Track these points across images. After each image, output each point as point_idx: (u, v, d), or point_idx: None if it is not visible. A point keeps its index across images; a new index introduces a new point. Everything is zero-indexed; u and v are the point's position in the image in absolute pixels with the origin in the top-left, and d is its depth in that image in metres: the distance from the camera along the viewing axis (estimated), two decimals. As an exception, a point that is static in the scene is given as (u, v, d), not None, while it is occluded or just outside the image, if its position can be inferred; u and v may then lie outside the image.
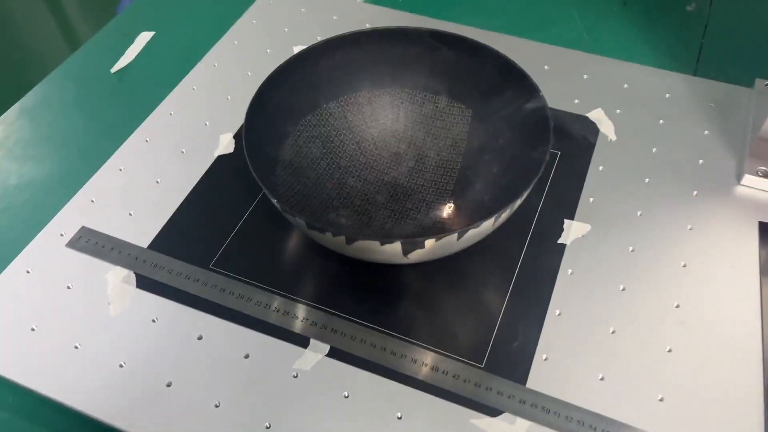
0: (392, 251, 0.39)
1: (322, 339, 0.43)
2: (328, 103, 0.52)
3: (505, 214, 0.40)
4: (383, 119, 0.53)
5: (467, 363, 0.42)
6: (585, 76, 0.59)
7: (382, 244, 0.38)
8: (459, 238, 0.39)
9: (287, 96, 0.49)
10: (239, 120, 0.57)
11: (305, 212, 0.47)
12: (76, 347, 0.43)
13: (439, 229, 0.48)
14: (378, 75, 0.52)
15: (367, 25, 0.64)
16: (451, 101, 0.52)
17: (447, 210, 0.49)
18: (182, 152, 0.55)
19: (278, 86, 0.48)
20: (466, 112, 0.51)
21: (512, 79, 0.48)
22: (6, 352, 0.43)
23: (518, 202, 0.41)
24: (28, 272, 0.47)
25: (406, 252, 0.39)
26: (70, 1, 1.70)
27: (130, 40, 0.67)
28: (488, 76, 0.50)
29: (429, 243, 0.39)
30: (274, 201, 0.40)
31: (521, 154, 0.47)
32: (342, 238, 0.39)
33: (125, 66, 0.65)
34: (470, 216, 0.48)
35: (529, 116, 0.47)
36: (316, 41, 0.50)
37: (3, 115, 0.61)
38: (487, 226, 0.40)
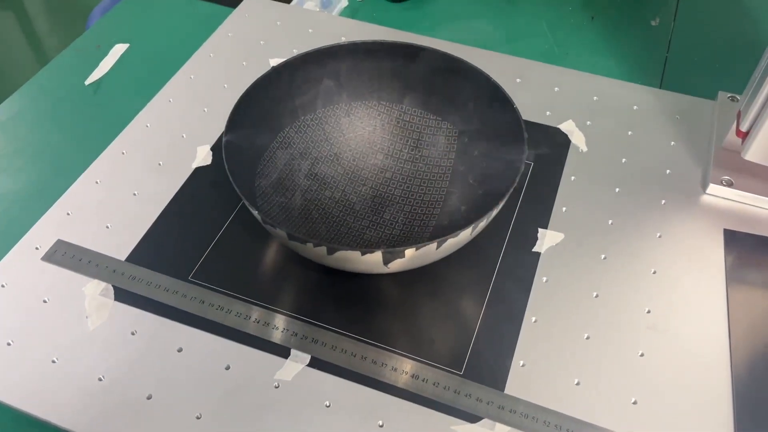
0: (373, 261, 0.40)
1: (302, 349, 0.44)
2: (306, 115, 0.52)
3: (482, 224, 0.41)
4: (361, 131, 0.54)
5: (446, 370, 0.43)
6: (556, 89, 0.61)
7: (363, 254, 0.39)
8: (438, 247, 0.40)
9: (266, 109, 0.49)
10: (216, 132, 0.57)
11: (285, 223, 0.47)
12: (54, 361, 0.43)
13: (418, 239, 0.48)
14: (355, 87, 0.53)
15: (343, 38, 0.65)
16: (426, 113, 0.53)
17: (424, 219, 0.50)
18: (159, 164, 0.55)
19: (257, 99, 0.48)
20: (441, 124, 0.53)
21: (487, 92, 0.49)
22: (-19, 367, 0.43)
23: (495, 212, 0.42)
24: (2, 286, 0.47)
25: (386, 261, 0.40)
26: (39, 16, 1.68)
27: (104, 52, 0.67)
28: (463, 89, 0.51)
29: (409, 252, 0.39)
30: (255, 212, 0.41)
31: (496, 165, 0.48)
32: (323, 249, 0.39)
33: (99, 78, 0.65)
34: (447, 225, 0.49)
35: (504, 128, 0.48)
36: (292, 54, 0.51)
37: (-26, 128, 0.60)
38: (465, 235, 0.41)
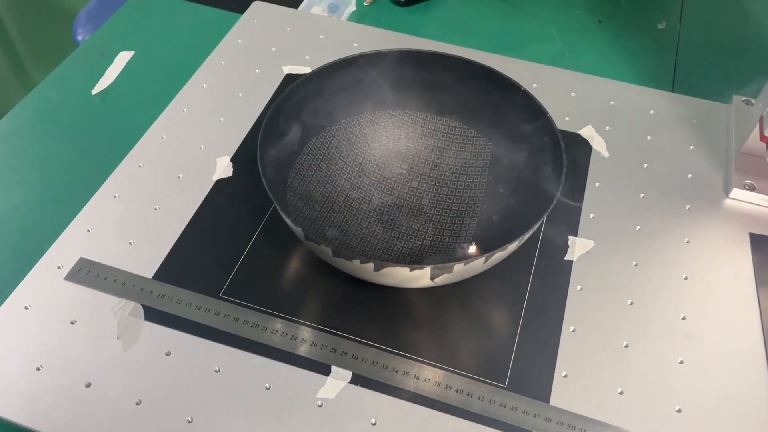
0: (420, 276, 0.39)
1: (343, 366, 0.43)
2: (331, 125, 0.52)
3: (527, 235, 0.41)
4: (385, 140, 0.53)
5: (491, 384, 0.42)
6: (573, 94, 0.61)
7: (412, 269, 0.38)
8: (486, 261, 0.40)
9: (293, 122, 0.48)
10: (235, 142, 0.56)
11: (319, 236, 0.46)
12: (88, 385, 0.42)
13: (449, 249, 0.48)
14: (379, 97, 0.52)
15: (355, 44, 0.64)
16: (452, 121, 0.53)
17: (454, 229, 0.49)
18: (179, 177, 0.53)
19: (284, 114, 0.47)
20: (468, 132, 0.52)
21: (516, 100, 0.49)
22: (11, 393, 0.41)
23: (538, 223, 0.41)
24: (26, 308, 0.45)
25: (434, 277, 0.39)
26: (20, 34, 1.62)
27: (109, 60, 0.65)
28: (489, 96, 0.50)
29: (457, 267, 0.39)
30: (298, 231, 0.40)
31: (527, 173, 0.48)
32: (370, 265, 0.39)
33: (107, 87, 0.63)
34: (480, 235, 0.48)
35: (534, 137, 0.48)
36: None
37: (-22, 141, 0.58)
38: (512, 248, 0.40)
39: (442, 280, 0.40)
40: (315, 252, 0.42)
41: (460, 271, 0.39)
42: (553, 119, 0.46)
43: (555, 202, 0.41)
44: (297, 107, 0.48)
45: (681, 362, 0.44)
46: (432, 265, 0.38)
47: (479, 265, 0.40)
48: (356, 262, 0.39)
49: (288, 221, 0.40)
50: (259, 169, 0.42)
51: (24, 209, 0.53)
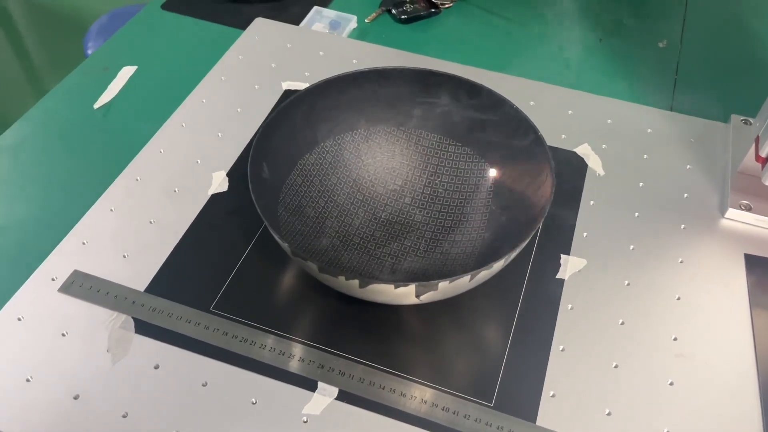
0: (405, 293, 0.39)
1: (330, 382, 0.43)
2: (325, 141, 0.52)
3: (513, 254, 0.41)
4: (380, 156, 0.53)
5: (477, 402, 0.42)
6: (570, 112, 0.61)
7: (396, 287, 0.38)
8: (471, 279, 0.40)
9: (287, 138, 0.49)
10: (231, 157, 0.56)
11: (310, 253, 0.47)
12: (76, 398, 0.42)
13: (440, 266, 0.48)
14: (374, 113, 0.53)
15: (355, 61, 0.65)
16: (445, 138, 0.53)
17: (446, 246, 0.50)
18: (175, 191, 0.54)
19: (278, 129, 0.48)
20: (461, 150, 0.52)
21: (510, 120, 0.49)
22: (0, 404, 0.41)
23: (526, 241, 0.41)
24: (19, 319, 0.46)
25: (419, 294, 0.39)
26: (30, 36, 1.66)
27: (112, 75, 0.66)
28: (482, 114, 0.51)
29: (442, 285, 0.39)
30: (285, 246, 0.40)
31: (519, 192, 0.48)
32: (355, 282, 0.39)
33: (109, 101, 0.64)
34: (470, 252, 0.48)
35: (527, 154, 0.48)
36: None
37: (-19, 154, 0.59)
38: (498, 266, 0.40)
39: (428, 297, 0.40)
40: (303, 267, 0.42)
41: (445, 288, 0.40)
42: (547, 137, 0.46)
43: (541, 222, 0.41)
44: (291, 123, 0.49)
45: (671, 383, 0.44)
46: (417, 283, 0.38)
47: (465, 283, 0.40)
48: (341, 278, 0.39)
49: (275, 236, 0.40)
50: (249, 185, 0.43)
51: (23, 221, 0.53)
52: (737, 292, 0.48)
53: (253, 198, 0.42)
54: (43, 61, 1.58)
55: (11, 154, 0.59)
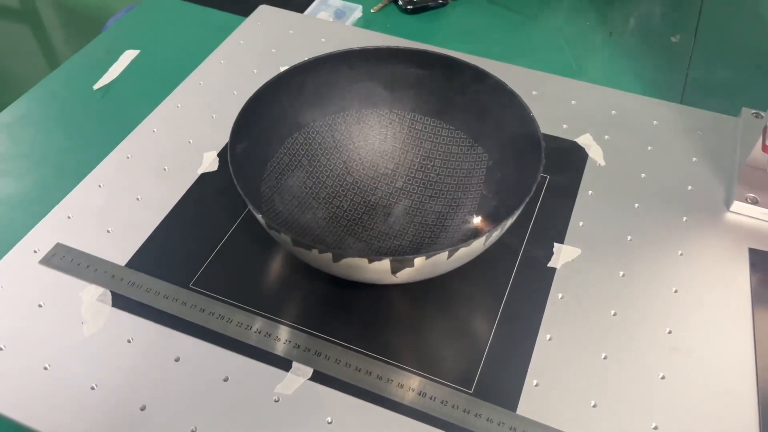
0: (381, 269, 0.38)
1: (305, 362, 0.42)
2: (315, 121, 0.51)
3: (495, 234, 0.39)
4: (372, 139, 0.52)
5: (456, 388, 0.41)
6: (573, 102, 0.59)
7: (371, 261, 0.37)
8: (449, 257, 0.38)
9: (274, 113, 0.48)
10: (224, 138, 0.56)
11: (291, 230, 0.45)
12: (46, 368, 0.41)
13: (428, 250, 0.46)
14: (367, 95, 0.52)
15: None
16: (440, 122, 0.51)
17: (435, 231, 0.48)
18: (164, 169, 0.53)
19: (265, 103, 0.47)
20: (455, 134, 0.51)
21: (503, 101, 0.47)
22: (-30, 372, 0.41)
23: (509, 221, 0.40)
24: (-2, 289, 0.45)
25: (395, 270, 0.38)
26: (54, 29, 1.69)
27: (114, 58, 0.66)
28: (478, 98, 0.49)
29: (419, 261, 0.37)
30: (259, 216, 0.39)
31: (511, 176, 0.47)
32: (329, 256, 0.38)
33: (108, 83, 0.64)
34: (460, 236, 0.47)
35: (520, 138, 0.46)
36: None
37: (-21, 130, 0.59)
38: (478, 245, 0.39)
39: (407, 275, 0.39)
40: (278, 241, 0.41)
41: (423, 266, 0.38)
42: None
43: (525, 202, 0.40)
44: (278, 99, 0.48)
45: (662, 377, 0.41)
46: (391, 258, 0.37)
47: (443, 260, 0.38)
48: (315, 251, 0.38)
49: (250, 205, 0.39)
50: (228, 156, 0.42)
51: (11, 196, 0.53)
52: (739, 286, 0.46)
53: (230, 165, 0.41)
54: (66, 57, 1.60)
55: (7, 131, 0.59)
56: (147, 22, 0.71)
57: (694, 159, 0.55)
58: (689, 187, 0.53)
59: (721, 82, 0.65)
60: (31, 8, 1.74)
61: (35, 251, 0.47)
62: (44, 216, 0.50)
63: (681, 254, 0.48)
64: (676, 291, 0.46)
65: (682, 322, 0.44)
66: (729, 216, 0.51)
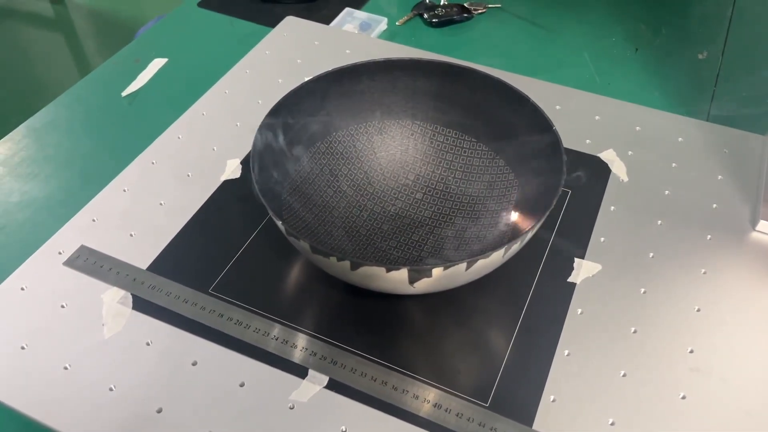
0: (398, 279, 0.38)
1: (321, 370, 0.42)
2: (338, 131, 0.51)
3: (515, 247, 0.39)
4: (393, 149, 0.52)
5: (471, 401, 0.40)
6: (597, 117, 0.59)
7: (388, 270, 0.37)
8: (468, 268, 0.38)
9: (297, 122, 0.48)
10: (247, 146, 0.56)
11: (310, 238, 0.46)
12: (66, 368, 0.42)
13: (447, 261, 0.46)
14: (389, 106, 0.52)
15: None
16: (461, 134, 0.51)
17: (455, 242, 0.48)
18: (188, 176, 0.54)
19: (289, 112, 0.47)
20: (476, 146, 0.51)
21: (525, 114, 0.47)
22: (-7, 370, 0.42)
23: (529, 234, 0.40)
24: (22, 289, 0.46)
25: (412, 280, 0.38)
26: (87, 38, 1.72)
27: (143, 66, 0.68)
28: (501, 111, 0.49)
29: (437, 272, 0.37)
30: (279, 223, 0.39)
31: (532, 189, 0.46)
32: (347, 264, 0.38)
33: (136, 90, 0.65)
34: (479, 248, 0.47)
35: (542, 151, 0.46)
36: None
37: (10, 134, 0.61)
38: (497, 257, 0.39)
39: (425, 286, 0.39)
40: (297, 248, 0.41)
41: (441, 277, 0.38)
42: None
43: (545, 216, 0.39)
44: (301, 109, 0.48)
45: (683, 397, 0.41)
46: (409, 267, 0.37)
47: (461, 272, 0.38)
48: (333, 259, 0.38)
49: (270, 212, 0.40)
50: (251, 163, 0.42)
51: (38, 199, 0.54)
52: (763, 307, 0.45)
53: (252, 173, 0.42)
54: (97, 64, 1.64)
55: (36, 136, 0.60)
56: (176, 32, 0.73)
57: (720, 177, 0.54)
58: (714, 205, 0.52)
59: (747, 99, 0.64)
60: (65, 18, 1.78)
61: (60, 252, 0.48)
62: (70, 219, 0.51)
63: (704, 272, 0.47)
64: (698, 310, 0.45)
65: (705, 342, 0.43)
66: (754, 235, 0.50)
